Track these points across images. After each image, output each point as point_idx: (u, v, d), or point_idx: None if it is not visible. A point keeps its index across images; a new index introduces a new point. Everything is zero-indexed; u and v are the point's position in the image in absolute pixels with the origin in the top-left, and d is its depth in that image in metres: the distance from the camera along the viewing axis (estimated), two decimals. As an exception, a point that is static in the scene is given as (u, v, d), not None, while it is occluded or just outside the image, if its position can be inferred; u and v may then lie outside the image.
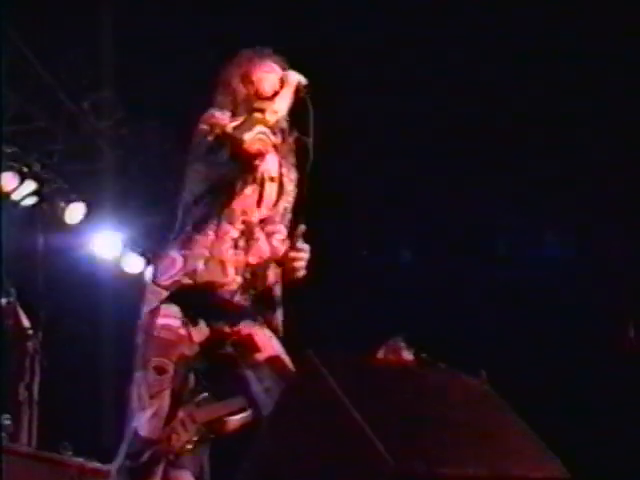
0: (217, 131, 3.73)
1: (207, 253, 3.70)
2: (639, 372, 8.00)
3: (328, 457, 2.92)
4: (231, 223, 3.75)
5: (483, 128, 7.73)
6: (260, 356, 3.76)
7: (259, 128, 3.72)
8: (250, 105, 3.84)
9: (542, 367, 8.27)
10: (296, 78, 3.90)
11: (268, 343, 3.81)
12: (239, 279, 3.75)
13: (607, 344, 8.29)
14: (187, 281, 3.68)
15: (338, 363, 3.09)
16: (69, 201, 7.70)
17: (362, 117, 7.64)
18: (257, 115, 3.76)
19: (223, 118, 3.78)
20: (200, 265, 3.68)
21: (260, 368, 3.74)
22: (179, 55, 7.01)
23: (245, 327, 3.80)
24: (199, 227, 3.74)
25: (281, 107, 3.83)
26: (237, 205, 3.77)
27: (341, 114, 6.92)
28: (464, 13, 6.86)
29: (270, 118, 3.77)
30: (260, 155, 3.75)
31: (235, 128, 3.70)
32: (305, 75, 3.96)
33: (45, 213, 7.46)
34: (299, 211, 3.98)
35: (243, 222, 3.77)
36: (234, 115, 3.81)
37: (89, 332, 7.78)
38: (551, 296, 8.48)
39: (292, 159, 3.97)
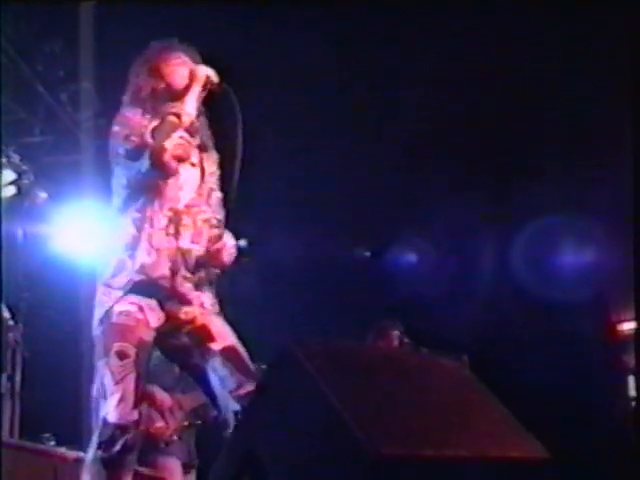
0: (134, 139, 3.78)
1: (149, 246, 3.77)
2: (619, 358, 8.08)
3: (307, 442, 2.95)
4: (162, 212, 3.82)
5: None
6: (215, 346, 3.81)
7: (179, 133, 3.81)
8: (159, 101, 3.89)
9: (526, 354, 8.33)
10: (205, 72, 3.94)
11: (223, 333, 3.86)
12: (169, 264, 3.80)
13: (591, 331, 8.36)
14: (140, 277, 3.76)
15: (317, 349, 3.12)
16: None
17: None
18: (173, 119, 3.80)
19: (138, 120, 3.81)
20: (147, 259, 3.75)
21: (214, 358, 3.79)
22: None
23: (200, 317, 3.86)
24: (138, 225, 3.80)
25: (191, 107, 3.88)
26: (163, 195, 3.84)
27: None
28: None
29: (185, 120, 3.83)
30: (182, 161, 3.85)
31: (153, 133, 3.75)
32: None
33: (23, 204, 7.44)
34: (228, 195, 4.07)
35: (170, 209, 3.84)
36: (144, 113, 3.85)
37: (70, 323, 7.75)
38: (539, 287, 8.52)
39: (209, 141, 4.04)
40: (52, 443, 5.94)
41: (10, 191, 7.39)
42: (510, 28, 6.97)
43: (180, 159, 3.84)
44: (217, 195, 4.04)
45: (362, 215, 8.77)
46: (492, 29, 6.98)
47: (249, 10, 6.83)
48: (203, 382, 3.84)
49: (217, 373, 3.77)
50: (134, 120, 3.82)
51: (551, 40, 7.04)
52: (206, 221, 3.94)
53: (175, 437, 5.73)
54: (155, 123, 3.78)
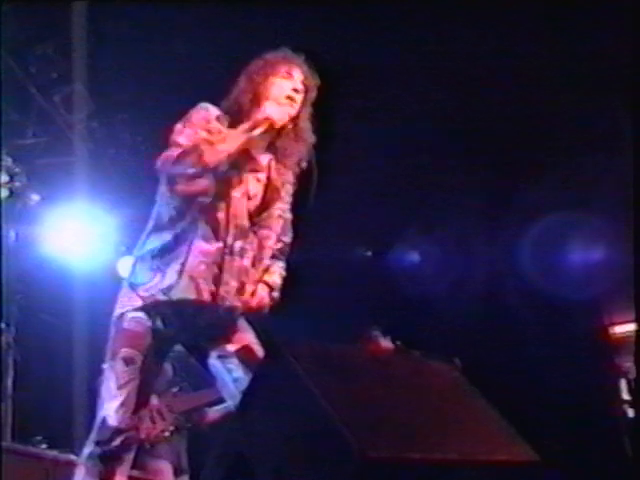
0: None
1: (179, 268, 3.70)
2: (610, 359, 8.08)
3: (296, 444, 2.94)
4: (205, 240, 3.72)
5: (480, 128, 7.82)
6: (230, 347, 3.78)
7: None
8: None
9: (516, 355, 8.32)
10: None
11: (239, 333, 3.82)
12: (236, 285, 3.74)
13: (585, 333, 8.36)
14: (162, 297, 3.70)
15: (306, 350, 3.11)
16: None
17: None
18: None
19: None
20: (173, 281, 3.69)
21: (230, 358, 3.76)
22: (149, 47, 6.99)
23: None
24: (175, 244, 3.73)
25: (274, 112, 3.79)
26: (217, 217, 3.74)
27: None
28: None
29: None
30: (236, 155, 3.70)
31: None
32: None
33: (16, 207, 7.43)
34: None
35: (236, 226, 3.75)
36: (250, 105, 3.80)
37: (63, 326, 7.74)
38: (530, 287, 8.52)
39: (293, 160, 3.95)
40: (44, 446, 5.93)
41: (3, 193, 7.37)
42: (510, 25, 6.96)
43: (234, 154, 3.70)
44: (284, 217, 3.97)
45: (363, 215, 8.77)
46: (491, 27, 6.98)
47: (249, 9, 6.82)
48: (219, 383, 3.83)
49: (232, 374, 3.75)
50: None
51: (553, 38, 7.03)
52: (267, 243, 3.89)
53: (162, 437, 5.71)
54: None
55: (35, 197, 7.69)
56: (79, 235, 8.10)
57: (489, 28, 6.95)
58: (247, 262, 3.79)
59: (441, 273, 9.09)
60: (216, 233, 3.72)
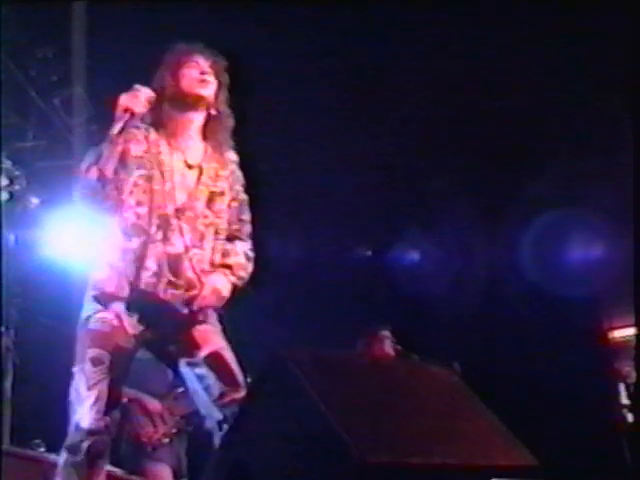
0: None
1: (103, 262, 3.79)
2: (609, 364, 8.07)
3: (295, 449, 2.94)
4: (126, 236, 3.77)
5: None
6: (199, 353, 3.78)
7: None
8: (172, 102, 3.91)
9: (515, 358, 8.32)
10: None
11: (208, 339, 3.82)
12: (156, 269, 3.76)
13: (583, 337, 8.34)
14: (95, 292, 3.78)
15: (305, 355, 3.11)
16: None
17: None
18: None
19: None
20: (99, 275, 3.78)
21: (199, 366, 3.77)
22: (149, 51, 6.98)
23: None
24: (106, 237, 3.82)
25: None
26: (137, 213, 3.78)
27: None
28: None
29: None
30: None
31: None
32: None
33: (16, 210, 7.43)
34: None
35: (158, 217, 3.79)
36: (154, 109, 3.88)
37: (62, 329, 7.73)
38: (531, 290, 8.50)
39: (227, 141, 4.00)
40: (42, 449, 5.92)
41: (2, 196, 7.37)
42: (510, 25, 6.98)
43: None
44: (228, 200, 3.98)
45: (363, 215, 8.77)
46: (491, 27, 7.00)
47: (246, 10, 6.83)
48: (190, 390, 3.83)
49: (203, 381, 3.75)
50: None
51: (553, 37, 7.05)
52: (210, 226, 3.89)
53: (164, 440, 5.72)
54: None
55: (35, 200, 7.68)
56: (79, 238, 8.08)
57: (488, 27, 6.97)
58: (171, 249, 3.79)
59: (441, 272, 9.08)
60: (136, 228, 3.77)
